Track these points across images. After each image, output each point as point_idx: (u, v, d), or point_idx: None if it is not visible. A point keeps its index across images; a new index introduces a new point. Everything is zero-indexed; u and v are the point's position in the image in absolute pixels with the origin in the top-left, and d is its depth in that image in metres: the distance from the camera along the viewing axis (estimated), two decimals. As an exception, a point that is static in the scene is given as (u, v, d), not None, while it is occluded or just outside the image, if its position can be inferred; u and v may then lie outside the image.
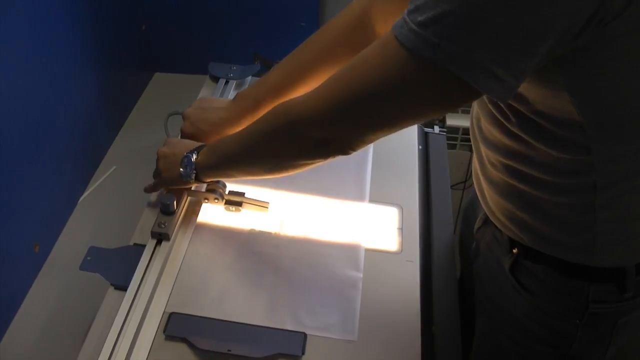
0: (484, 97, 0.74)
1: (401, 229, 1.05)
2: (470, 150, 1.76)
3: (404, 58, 0.62)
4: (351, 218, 1.06)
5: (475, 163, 0.88)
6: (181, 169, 0.95)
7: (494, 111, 0.74)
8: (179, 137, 1.09)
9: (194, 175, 0.95)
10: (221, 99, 1.18)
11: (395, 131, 0.72)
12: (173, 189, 1.02)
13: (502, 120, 0.74)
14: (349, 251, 1.01)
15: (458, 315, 0.98)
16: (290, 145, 0.81)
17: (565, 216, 0.76)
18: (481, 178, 0.87)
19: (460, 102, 0.69)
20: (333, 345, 0.88)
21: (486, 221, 0.90)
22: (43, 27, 1.25)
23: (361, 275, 0.97)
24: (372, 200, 1.10)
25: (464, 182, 1.84)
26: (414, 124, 0.71)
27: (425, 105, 0.67)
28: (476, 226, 0.96)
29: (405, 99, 0.66)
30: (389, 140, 1.22)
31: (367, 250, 1.01)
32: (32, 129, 1.23)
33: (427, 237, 1.09)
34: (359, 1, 0.96)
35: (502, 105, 0.71)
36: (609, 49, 0.60)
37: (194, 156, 0.95)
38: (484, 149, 0.82)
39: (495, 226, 0.87)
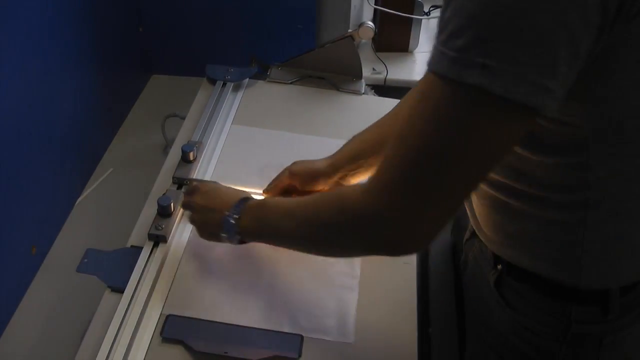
0: None
1: (398, 232, 1.05)
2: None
3: (450, 94, 0.56)
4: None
5: None
6: (223, 235, 0.88)
7: None
8: (177, 142, 1.08)
9: (239, 239, 0.88)
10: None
11: (471, 193, 0.65)
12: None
13: None
14: (346, 253, 1.01)
15: (455, 317, 0.98)
16: (354, 245, 0.73)
17: (552, 233, 0.73)
18: None
19: (519, 129, 0.59)
20: (329, 347, 0.88)
21: (474, 233, 0.88)
22: (39, 28, 1.26)
23: (358, 278, 0.97)
24: (369, 203, 1.10)
25: (461, 185, 1.84)
26: (487, 174, 0.63)
27: (491, 147, 0.59)
28: (465, 237, 0.95)
29: (466, 146, 0.58)
30: (386, 142, 1.23)
31: (364, 253, 1.01)
32: (28, 131, 1.23)
33: (424, 240, 1.09)
34: None
35: None
36: (627, 54, 0.57)
37: (234, 219, 0.86)
38: None
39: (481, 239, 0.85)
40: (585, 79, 0.59)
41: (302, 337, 0.88)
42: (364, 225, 0.67)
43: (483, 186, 0.78)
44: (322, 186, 1.01)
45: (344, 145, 1.00)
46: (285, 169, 1.03)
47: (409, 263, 1.00)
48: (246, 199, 0.89)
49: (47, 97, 1.30)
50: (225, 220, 0.87)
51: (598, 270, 0.74)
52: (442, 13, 0.58)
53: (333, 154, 1.01)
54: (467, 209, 0.88)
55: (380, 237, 0.67)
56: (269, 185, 1.05)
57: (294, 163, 1.03)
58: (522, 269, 0.78)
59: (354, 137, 1.00)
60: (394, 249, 0.69)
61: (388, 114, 0.98)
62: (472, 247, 0.91)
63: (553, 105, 0.56)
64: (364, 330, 0.90)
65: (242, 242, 0.89)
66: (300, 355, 0.86)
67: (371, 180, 0.66)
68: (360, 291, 0.95)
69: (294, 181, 1.02)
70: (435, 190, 0.62)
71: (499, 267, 0.81)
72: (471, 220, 0.87)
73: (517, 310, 0.81)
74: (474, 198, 0.83)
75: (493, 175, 0.74)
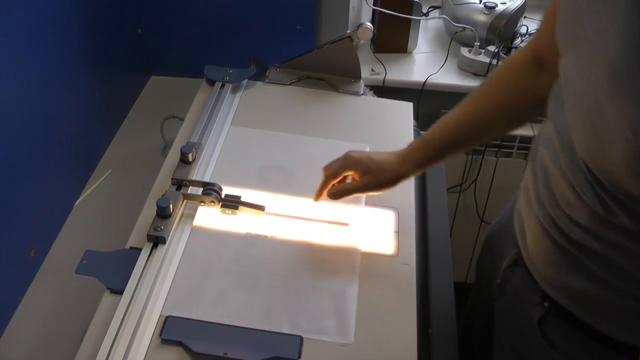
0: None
1: (397, 232, 1.05)
2: (466, 153, 1.77)
3: None
4: (347, 221, 1.06)
5: (522, 198, 0.81)
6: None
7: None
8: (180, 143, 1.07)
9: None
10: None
11: None
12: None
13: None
14: (345, 254, 1.01)
15: (455, 319, 0.98)
16: None
17: (630, 304, 0.69)
18: (529, 220, 0.79)
19: None
20: (329, 348, 0.88)
21: (517, 262, 0.84)
22: (38, 29, 1.25)
23: (357, 279, 0.97)
24: (368, 204, 1.10)
25: (460, 185, 1.84)
26: None
27: None
28: (505, 264, 0.89)
29: None
30: (384, 143, 1.23)
31: (364, 254, 1.01)
32: (26, 133, 1.23)
33: (424, 241, 1.09)
34: (526, 48, 0.90)
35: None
36: None
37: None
38: (551, 199, 0.73)
39: (528, 271, 0.81)
40: None
41: (301, 338, 0.88)
42: None
43: (559, 237, 0.73)
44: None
45: (443, 118, 0.97)
46: (341, 160, 1.00)
47: (409, 264, 1.00)
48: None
49: (45, 98, 1.29)
50: None
51: None
52: None
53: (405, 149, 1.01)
54: (517, 235, 0.84)
55: None
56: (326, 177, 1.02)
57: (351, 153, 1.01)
58: (573, 314, 0.74)
59: (454, 110, 0.96)
60: None
61: (476, 93, 0.95)
62: (513, 276, 0.87)
63: None
64: (364, 331, 0.90)
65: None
66: (299, 357, 0.86)
67: None
68: (360, 292, 0.95)
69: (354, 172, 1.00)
70: None
71: (546, 304, 0.78)
72: (523, 252, 0.83)
73: (563, 353, 0.77)
74: (537, 234, 0.78)
75: (592, 244, 0.70)
